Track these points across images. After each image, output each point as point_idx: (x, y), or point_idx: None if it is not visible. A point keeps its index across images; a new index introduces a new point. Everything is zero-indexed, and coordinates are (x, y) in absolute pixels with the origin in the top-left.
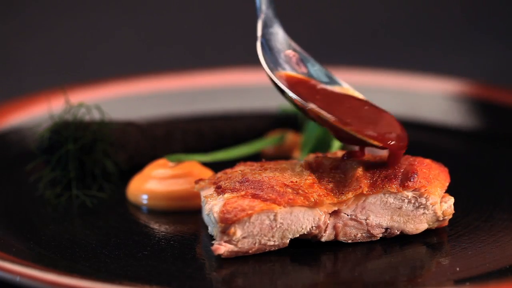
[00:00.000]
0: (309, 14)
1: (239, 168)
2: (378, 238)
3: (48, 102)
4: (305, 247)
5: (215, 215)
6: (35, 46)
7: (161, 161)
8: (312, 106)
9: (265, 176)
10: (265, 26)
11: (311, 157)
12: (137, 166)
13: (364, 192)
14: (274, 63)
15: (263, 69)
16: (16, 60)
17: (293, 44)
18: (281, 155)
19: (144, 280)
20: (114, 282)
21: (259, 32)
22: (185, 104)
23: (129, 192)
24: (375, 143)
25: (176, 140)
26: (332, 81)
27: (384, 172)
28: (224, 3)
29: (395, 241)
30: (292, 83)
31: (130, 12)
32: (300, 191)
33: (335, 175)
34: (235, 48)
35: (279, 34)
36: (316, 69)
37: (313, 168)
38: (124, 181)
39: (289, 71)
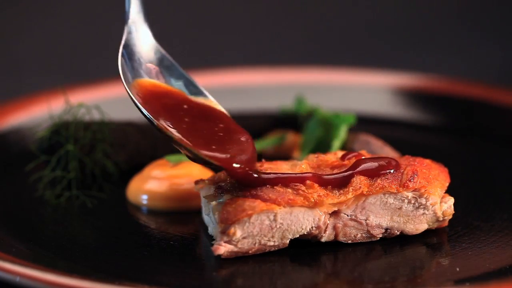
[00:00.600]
0: (308, 13)
1: None
2: (378, 238)
3: (48, 102)
4: (305, 248)
5: (215, 215)
6: (35, 46)
7: (161, 162)
8: (158, 122)
9: None
10: (131, 32)
11: (311, 157)
12: (137, 166)
13: (364, 192)
14: (134, 74)
15: (122, 82)
16: (16, 60)
17: (162, 51)
18: (281, 155)
19: (144, 280)
20: (114, 282)
21: (123, 41)
22: None
23: (129, 193)
24: (216, 163)
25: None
26: (197, 92)
27: (384, 172)
28: (224, 3)
29: (395, 241)
30: (154, 94)
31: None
32: (300, 191)
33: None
34: (235, 48)
35: (146, 41)
36: (179, 84)
37: (313, 168)
38: (124, 181)
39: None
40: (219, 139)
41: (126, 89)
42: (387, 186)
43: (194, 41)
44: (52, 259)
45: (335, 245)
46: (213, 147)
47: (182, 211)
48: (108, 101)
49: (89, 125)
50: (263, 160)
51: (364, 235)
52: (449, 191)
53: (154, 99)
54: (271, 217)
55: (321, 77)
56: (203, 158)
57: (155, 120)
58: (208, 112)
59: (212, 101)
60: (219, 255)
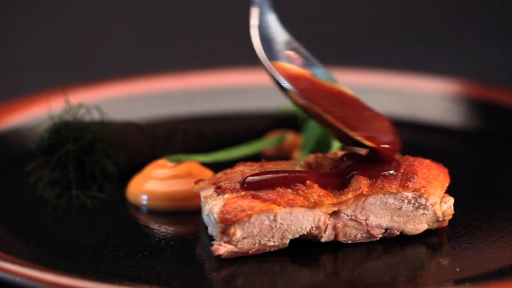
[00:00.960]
0: (308, 13)
1: (239, 168)
2: (378, 238)
3: (48, 102)
4: (305, 248)
5: (215, 215)
6: (35, 46)
7: (161, 162)
8: (308, 101)
9: None
10: (262, 15)
11: (311, 157)
12: (137, 166)
13: (364, 192)
14: (269, 53)
15: (259, 59)
16: (16, 60)
17: (292, 41)
18: (281, 155)
19: (144, 280)
20: (114, 282)
21: (255, 21)
22: (185, 104)
23: (129, 193)
24: (369, 144)
25: (176, 141)
26: (332, 80)
27: (384, 173)
28: (224, 3)
29: (395, 241)
30: (291, 76)
31: (130, 12)
32: (300, 191)
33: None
34: (235, 48)
35: (275, 26)
36: (320, 71)
37: (313, 168)
38: (124, 181)
39: (285, 63)
40: (366, 121)
41: (268, 67)
42: (387, 186)
43: (194, 41)
44: (52, 259)
45: (335, 245)
46: (362, 129)
47: (182, 211)
48: (108, 101)
49: (89, 125)
50: (263, 160)
51: (364, 235)
52: (449, 191)
53: (294, 79)
54: (271, 217)
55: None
56: (356, 140)
57: (304, 99)
58: (347, 98)
59: (350, 91)
60: (219, 255)
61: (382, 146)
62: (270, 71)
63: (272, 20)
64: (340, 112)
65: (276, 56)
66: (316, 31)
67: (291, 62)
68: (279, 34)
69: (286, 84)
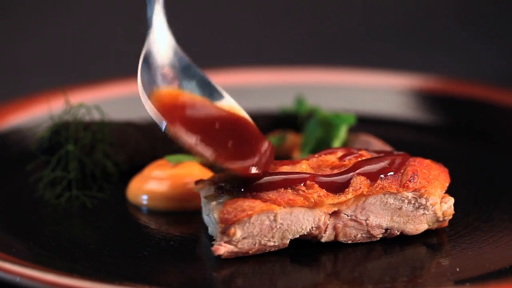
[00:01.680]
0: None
1: None
2: (378, 238)
3: (48, 102)
4: (305, 248)
5: (215, 215)
6: (35, 46)
7: (161, 162)
8: (170, 128)
9: None
10: (151, 37)
11: (311, 157)
12: (137, 166)
13: (364, 192)
14: (152, 82)
15: (139, 91)
16: (16, 60)
17: (181, 53)
18: (281, 155)
19: (144, 280)
20: (114, 283)
21: (145, 48)
22: None
23: (129, 193)
24: (234, 171)
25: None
26: (213, 95)
27: (384, 173)
28: (224, 3)
29: (395, 241)
30: (174, 104)
31: (130, 12)
32: (300, 191)
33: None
34: (235, 48)
35: (165, 44)
36: (189, 84)
37: (313, 168)
38: (124, 181)
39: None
40: (235, 145)
41: (144, 101)
42: (387, 186)
43: (194, 41)
44: (52, 259)
45: (335, 245)
46: (230, 154)
47: (182, 211)
48: (108, 101)
49: (89, 125)
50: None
51: (364, 235)
52: (449, 191)
53: (173, 109)
54: (271, 217)
55: (321, 77)
56: (220, 166)
57: (163, 124)
58: (226, 118)
59: (229, 103)
60: (219, 255)
61: (250, 171)
62: (148, 109)
63: (166, 39)
64: (209, 137)
65: (157, 81)
66: (315, 31)
67: (165, 79)
68: (167, 52)
69: (158, 119)
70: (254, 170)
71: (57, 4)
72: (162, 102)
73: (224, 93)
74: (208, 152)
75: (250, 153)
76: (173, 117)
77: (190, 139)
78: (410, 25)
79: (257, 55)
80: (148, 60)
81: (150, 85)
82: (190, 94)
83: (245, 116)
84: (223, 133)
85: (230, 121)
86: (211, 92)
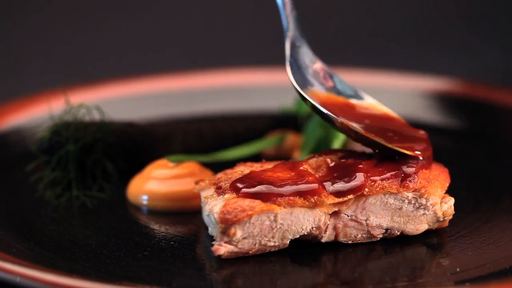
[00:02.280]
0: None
1: (239, 168)
2: (378, 238)
3: (48, 102)
4: (305, 248)
5: (215, 215)
6: (35, 46)
7: (161, 162)
8: (343, 119)
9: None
10: (293, 46)
11: (311, 157)
12: (137, 166)
13: (364, 192)
14: (302, 81)
15: (295, 88)
16: (16, 60)
17: (319, 62)
18: (281, 155)
19: (144, 280)
20: (114, 283)
21: (287, 52)
22: (185, 104)
23: (129, 193)
24: (405, 152)
25: (176, 141)
26: (359, 97)
27: (384, 173)
28: (225, 3)
29: (395, 241)
30: (322, 101)
31: (130, 12)
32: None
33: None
34: (235, 49)
35: (306, 53)
36: (342, 84)
37: (313, 168)
38: (124, 181)
39: (316, 88)
40: (395, 134)
41: (303, 94)
42: (387, 186)
43: (194, 41)
44: (52, 259)
45: (335, 246)
46: (393, 139)
47: (182, 212)
48: (108, 101)
49: (89, 125)
50: (263, 160)
51: (364, 235)
52: (450, 191)
53: (329, 104)
54: (272, 218)
55: None
56: (391, 148)
57: (339, 118)
58: (377, 114)
59: (372, 102)
60: (219, 256)
61: (416, 153)
62: (309, 100)
63: (303, 47)
64: (373, 126)
65: (306, 80)
66: (315, 31)
67: (316, 76)
68: (308, 58)
69: (325, 110)
70: (418, 153)
71: (57, 4)
72: (318, 100)
73: (364, 94)
74: (378, 138)
75: (411, 140)
76: (332, 109)
77: (359, 128)
78: (410, 25)
79: (257, 55)
80: (295, 64)
81: (303, 84)
82: (337, 96)
83: (392, 113)
84: (380, 126)
85: (382, 117)
86: (354, 93)
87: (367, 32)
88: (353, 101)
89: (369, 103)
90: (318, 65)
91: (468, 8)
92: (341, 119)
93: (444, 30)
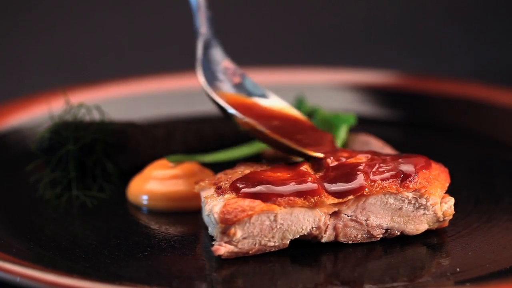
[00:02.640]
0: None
1: (239, 168)
2: (379, 238)
3: (48, 102)
4: (305, 248)
5: (215, 215)
6: (35, 46)
7: (161, 162)
8: (248, 119)
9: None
10: (206, 47)
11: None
12: (137, 166)
13: (364, 193)
14: (212, 79)
15: (204, 90)
16: (16, 60)
17: (230, 61)
18: (281, 155)
19: (144, 280)
20: (114, 283)
21: (199, 53)
22: (185, 104)
23: (129, 193)
24: (302, 150)
25: (176, 141)
26: (268, 98)
27: (384, 173)
28: (224, 3)
29: (395, 241)
30: (230, 101)
31: (130, 12)
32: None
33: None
34: (235, 48)
35: (218, 53)
36: (253, 85)
37: (313, 168)
38: (124, 181)
39: (225, 86)
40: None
41: (212, 95)
42: (387, 186)
43: (194, 41)
44: (52, 259)
45: (335, 246)
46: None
47: (182, 211)
48: (108, 101)
49: (89, 125)
50: (263, 160)
51: (364, 235)
52: (449, 191)
53: (237, 104)
54: (272, 218)
55: (321, 77)
56: (292, 149)
57: (244, 118)
58: (289, 117)
59: (278, 102)
60: (219, 256)
61: (318, 154)
62: (216, 101)
63: (216, 49)
64: (277, 126)
65: (216, 77)
66: (315, 31)
67: (226, 72)
68: (220, 59)
69: (231, 110)
70: (319, 154)
71: (57, 4)
72: (226, 100)
73: (274, 95)
74: (284, 140)
75: (312, 140)
76: (242, 111)
77: (264, 128)
78: (410, 25)
79: (257, 55)
80: (207, 61)
81: (212, 82)
82: (245, 96)
83: (297, 113)
84: (285, 126)
85: (289, 119)
86: (264, 94)
87: (364, 32)
88: (262, 102)
89: (278, 105)
90: (228, 64)
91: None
92: (246, 119)
93: (441, 29)
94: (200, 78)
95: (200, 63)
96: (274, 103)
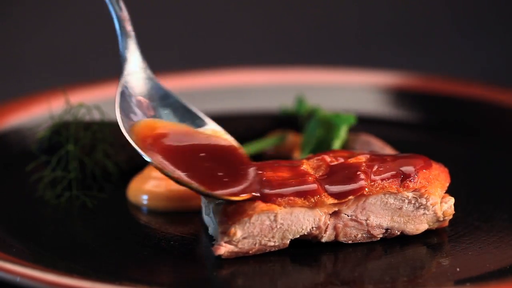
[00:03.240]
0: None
1: None
2: (379, 238)
3: (48, 102)
4: (306, 248)
5: (215, 215)
6: (35, 46)
7: None
8: (153, 161)
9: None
10: (124, 59)
11: (311, 157)
12: (137, 166)
13: (364, 192)
14: (129, 112)
15: (118, 124)
16: (16, 60)
17: (157, 84)
18: (281, 155)
19: (144, 280)
20: (114, 282)
21: (122, 81)
22: None
23: (129, 193)
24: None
25: None
26: (195, 121)
27: (384, 173)
28: (224, 3)
29: (395, 241)
30: (153, 135)
31: (130, 12)
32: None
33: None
34: (235, 48)
35: (141, 77)
36: (166, 112)
37: (313, 168)
38: (124, 181)
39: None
40: (222, 171)
41: (123, 131)
42: (387, 186)
43: (194, 41)
44: (52, 259)
45: (335, 245)
46: (217, 181)
47: (182, 211)
48: (109, 101)
49: (90, 125)
50: (264, 160)
51: (364, 235)
52: (449, 191)
53: (155, 140)
54: (272, 218)
55: (321, 77)
56: (210, 194)
57: (148, 158)
58: (209, 145)
59: (213, 128)
60: (219, 255)
61: (239, 196)
62: (131, 144)
63: (139, 71)
64: (193, 166)
65: (131, 110)
66: (315, 31)
67: (140, 106)
68: (142, 82)
69: (143, 154)
70: (243, 195)
71: (57, 4)
72: (143, 134)
73: (207, 119)
74: (194, 183)
75: (237, 178)
76: (155, 149)
77: (174, 171)
78: (410, 25)
79: (257, 55)
80: (124, 93)
81: (128, 116)
82: (171, 123)
83: (230, 141)
84: (208, 160)
85: (214, 148)
86: (192, 119)
87: (364, 32)
88: (195, 128)
89: (210, 129)
90: (141, 96)
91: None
92: (154, 162)
93: (441, 29)
94: (117, 112)
95: (120, 93)
96: (208, 128)
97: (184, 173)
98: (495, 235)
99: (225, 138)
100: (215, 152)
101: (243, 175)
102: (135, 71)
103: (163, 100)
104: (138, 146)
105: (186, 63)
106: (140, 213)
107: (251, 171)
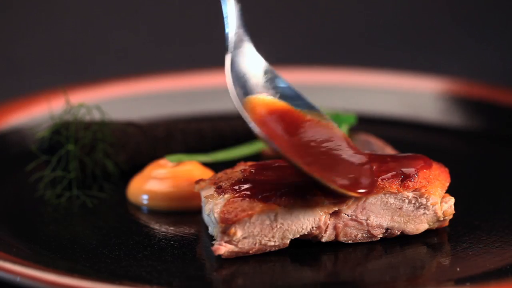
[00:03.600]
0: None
1: (240, 168)
2: (379, 238)
3: (48, 102)
4: (306, 248)
5: (216, 215)
6: (35, 46)
7: (162, 161)
8: (276, 147)
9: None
10: (236, 46)
11: None
12: (137, 166)
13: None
14: (244, 89)
15: (231, 97)
16: (16, 60)
17: (266, 65)
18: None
19: (144, 280)
20: (114, 282)
21: (229, 52)
22: (185, 104)
23: (129, 192)
24: (342, 191)
25: (176, 141)
26: (306, 105)
27: (384, 172)
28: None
29: (396, 241)
30: (269, 111)
31: (130, 12)
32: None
33: None
34: None
35: (249, 54)
36: (287, 89)
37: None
38: (124, 181)
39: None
40: (339, 160)
41: (238, 107)
42: (387, 186)
43: (195, 41)
44: (52, 259)
45: (335, 245)
46: (335, 172)
47: (182, 211)
48: (109, 101)
49: (90, 125)
50: (264, 160)
51: (364, 235)
52: (450, 191)
53: (268, 119)
54: (272, 217)
55: (321, 77)
56: (329, 186)
57: (272, 144)
58: (324, 132)
59: (322, 115)
60: (219, 255)
61: (358, 191)
62: (244, 118)
63: (247, 47)
64: (310, 157)
65: (253, 91)
66: (315, 31)
67: (257, 89)
68: (256, 66)
69: (258, 131)
70: (362, 190)
71: (57, 3)
72: (257, 113)
73: (312, 103)
74: (317, 176)
75: (354, 170)
76: (275, 134)
77: (299, 162)
78: (410, 25)
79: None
80: (234, 70)
81: (241, 96)
82: (280, 103)
83: (341, 131)
84: (323, 148)
85: (328, 135)
86: (302, 102)
87: (364, 32)
88: (300, 110)
89: (313, 112)
90: (262, 68)
91: (464, 8)
92: (281, 150)
93: (440, 29)
94: (230, 88)
95: (229, 63)
96: (311, 111)
97: (305, 162)
98: (495, 235)
99: (335, 125)
100: (331, 140)
101: (360, 168)
102: (241, 45)
103: (267, 76)
104: (261, 133)
105: (186, 63)
106: (140, 213)
107: (366, 164)
